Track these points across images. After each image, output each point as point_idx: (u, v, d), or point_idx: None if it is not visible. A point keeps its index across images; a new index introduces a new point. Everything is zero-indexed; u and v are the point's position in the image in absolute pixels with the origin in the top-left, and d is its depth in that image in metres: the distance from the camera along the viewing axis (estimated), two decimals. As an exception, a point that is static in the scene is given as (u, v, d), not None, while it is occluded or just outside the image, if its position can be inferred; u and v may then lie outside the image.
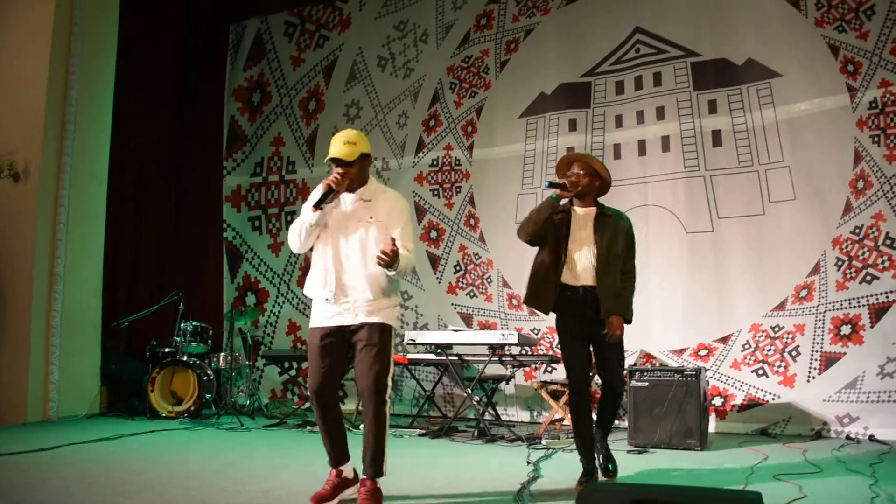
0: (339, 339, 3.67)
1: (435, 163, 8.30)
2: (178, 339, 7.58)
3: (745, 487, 4.00)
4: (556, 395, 6.56)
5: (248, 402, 7.88)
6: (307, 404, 8.10)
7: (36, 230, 7.23)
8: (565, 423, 6.52)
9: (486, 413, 6.73)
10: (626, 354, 6.71)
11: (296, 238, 3.74)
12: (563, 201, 4.19)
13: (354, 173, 3.66)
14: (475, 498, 3.84)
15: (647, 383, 5.59)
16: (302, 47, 9.23)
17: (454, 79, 8.28)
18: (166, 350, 7.63)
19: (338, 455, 3.77)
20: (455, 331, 6.62)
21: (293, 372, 8.66)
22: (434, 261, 8.19)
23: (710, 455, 5.22)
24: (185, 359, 7.43)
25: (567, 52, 7.67)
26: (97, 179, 7.87)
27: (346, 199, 3.75)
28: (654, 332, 6.81)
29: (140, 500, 3.70)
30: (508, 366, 6.58)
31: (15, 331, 7.19)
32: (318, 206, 3.61)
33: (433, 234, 8.23)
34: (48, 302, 7.27)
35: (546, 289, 4.18)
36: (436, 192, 8.28)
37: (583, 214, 4.23)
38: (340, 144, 3.66)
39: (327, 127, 8.93)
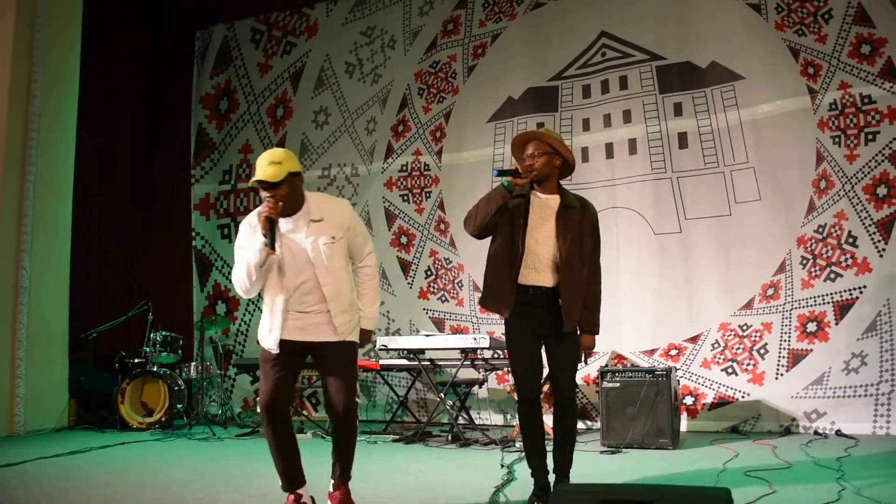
0: (296, 353, 3.51)
1: (404, 168, 8.31)
2: (148, 349, 7.50)
3: (717, 484, 4.05)
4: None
5: (220, 411, 7.80)
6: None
7: (12, 256, 7.12)
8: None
9: (460, 417, 6.74)
10: (596, 356, 6.83)
11: (243, 281, 3.44)
12: (520, 189, 3.63)
13: (284, 195, 3.32)
14: (450, 501, 3.84)
15: (618, 384, 5.64)
16: (269, 54, 9.19)
17: (422, 84, 8.29)
18: (136, 360, 7.54)
19: (295, 476, 3.53)
20: (427, 335, 6.61)
21: (265, 380, 8.60)
22: (405, 266, 8.19)
23: (682, 454, 5.28)
24: (155, 369, 7.35)
25: (534, 56, 7.73)
26: (62, 189, 7.75)
27: (287, 224, 3.43)
28: (625, 332, 6.88)
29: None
30: (481, 370, 6.60)
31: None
32: (271, 246, 3.32)
33: (403, 240, 8.23)
34: (13, 314, 7.14)
35: (502, 288, 3.63)
36: (405, 198, 8.28)
37: (543, 203, 3.68)
38: (265, 166, 3.32)
39: (296, 134, 8.90)
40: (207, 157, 9.37)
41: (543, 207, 3.67)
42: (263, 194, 3.35)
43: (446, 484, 4.36)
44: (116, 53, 8.90)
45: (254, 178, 3.36)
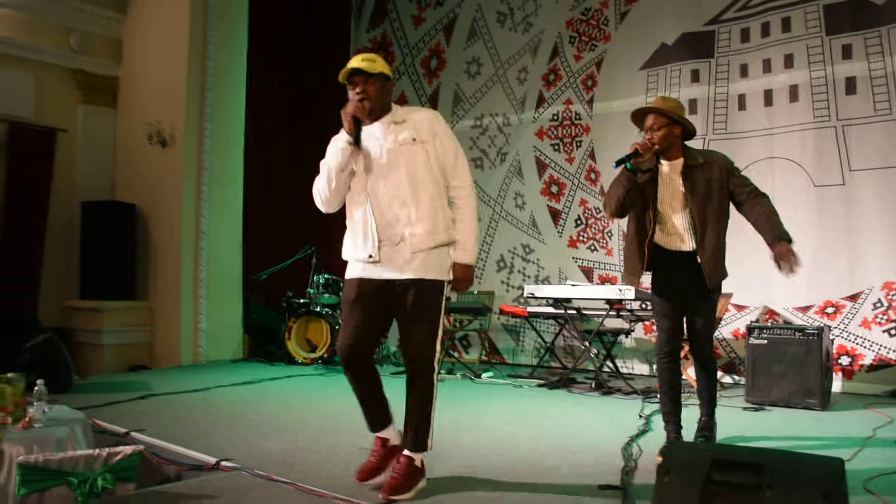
0: (379, 294, 3.16)
1: (555, 117, 8.34)
2: (312, 290, 8.10)
3: (862, 450, 3.98)
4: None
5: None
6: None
7: (182, 191, 7.91)
8: (682, 378, 6.55)
9: (605, 366, 6.86)
10: (746, 311, 6.70)
11: (324, 190, 3.23)
12: (646, 164, 3.74)
13: (374, 93, 3.14)
14: (584, 447, 4.02)
15: (765, 341, 5.54)
16: (422, 6, 9.41)
17: (573, 32, 8.22)
18: (301, 301, 8.15)
19: (378, 418, 3.31)
20: (573, 285, 6.75)
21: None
22: (555, 215, 8.29)
23: (831, 415, 5.16)
24: (318, 309, 7.93)
25: (689, 0, 7.44)
26: (234, 142, 8.44)
27: (373, 132, 3.20)
28: (777, 288, 6.66)
29: (277, 440, 4.14)
30: (627, 320, 6.66)
31: (167, 284, 7.97)
32: (355, 142, 3.12)
33: (554, 189, 8.32)
34: (195, 257, 7.96)
35: (632, 261, 3.86)
36: (556, 147, 8.33)
37: (669, 170, 3.79)
38: (358, 60, 3.16)
39: (449, 84, 9.12)
40: (366, 108, 9.78)
41: (670, 174, 3.80)
42: (351, 93, 3.17)
43: (584, 430, 4.55)
44: (278, 15, 9.36)
45: (346, 68, 3.15)
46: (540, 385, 6.55)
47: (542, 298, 6.85)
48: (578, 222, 8.12)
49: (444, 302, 3.20)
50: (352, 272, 3.24)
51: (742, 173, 3.85)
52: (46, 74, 8.18)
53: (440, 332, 3.16)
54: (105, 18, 8.56)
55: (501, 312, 7.81)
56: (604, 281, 7.80)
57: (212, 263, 8.07)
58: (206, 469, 3.58)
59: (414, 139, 3.15)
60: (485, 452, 3.90)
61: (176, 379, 6.55)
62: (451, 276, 3.22)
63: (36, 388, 3.68)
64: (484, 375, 7.13)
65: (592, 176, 8.04)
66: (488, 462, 3.69)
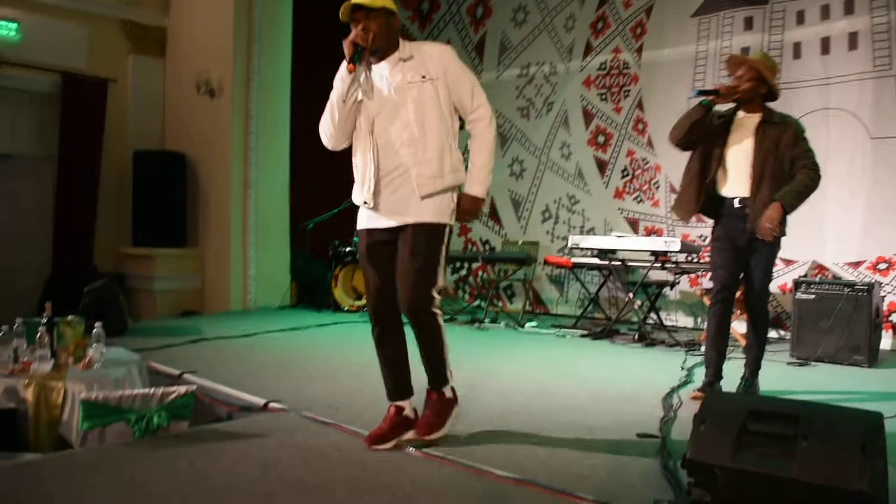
0: (388, 246, 3.06)
1: (603, 66, 8.19)
2: (357, 239, 8.17)
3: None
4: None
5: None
6: (477, 301, 8.58)
7: (231, 141, 8.02)
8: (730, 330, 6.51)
9: (649, 318, 6.84)
10: (795, 265, 6.60)
11: (327, 124, 3.10)
12: (727, 106, 3.96)
13: (378, 28, 2.97)
14: (624, 396, 4.06)
15: (813, 296, 5.47)
16: (470, -48, 9.25)
17: (623, -22, 8.03)
18: (347, 250, 8.22)
19: (397, 386, 3.19)
20: (618, 236, 6.71)
21: (464, 272, 9.13)
22: (601, 165, 8.21)
23: (877, 373, 5.09)
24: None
25: (745, -57, 7.19)
26: (281, 93, 8.50)
27: (380, 69, 3.06)
28: (828, 242, 6.54)
29: (323, 384, 4.26)
30: (672, 272, 6.62)
31: (217, 231, 8.15)
32: (350, 61, 2.96)
33: (600, 139, 8.22)
34: (243, 205, 8.11)
35: (686, 195, 4.02)
36: (603, 97, 8.20)
37: (745, 120, 3.95)
38: None
39: (495, 33, 9.01)
40: (412, 57, 9.74)
41: (745, 125, 3.93)
42: (354, 30, 3.00)
43: (625, 380, 4.58)
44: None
45: (346, 4, 2.98)
46: (583, 335, 6.58)
47: (587, 249, 6.84)
48: (625, 173, 8.03)
49: (444, 247, 3.05)
50: (360, 221, 3.14)
51: (810, 146, 3.88)
52: (97, 25, 8.31)
53: (439, 279, 3.02)
54: (154, -32, 8.62)
55: (546, 263, 7.82)
56: (649, 233, 7.73)
57: (259, 212, 8.20)
58: (255, 410, 3.71)
59: (423, 76, 2.99)
60: (525, 400, 3.96)
61: (226, 324, 6.74)
62: (453, 220, 3.09)
63: (94, 330, 3.84)
64: (527, 325, 7.18)
65: (640, 126, 7.91)
66: (529, 409, 3.76)
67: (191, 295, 8.24)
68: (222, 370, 4.55)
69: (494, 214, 9.03)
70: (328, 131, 3.11)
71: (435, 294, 3.02)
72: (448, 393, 3.19)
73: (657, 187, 7.77)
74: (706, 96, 3.87)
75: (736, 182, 3.92)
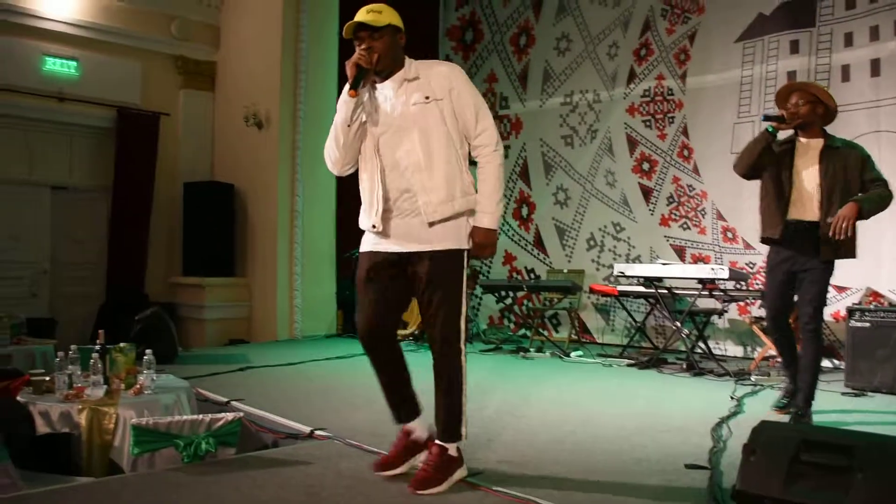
0: (393, 268, 2.93)
1: (647, 93, 8.16)
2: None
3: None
4: (768, 331, 6.40)
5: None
6: (522, 330, 8.54)
7: (278, 171, 8.17)
8: (779, 360, 6.37)
9: (697, 346, 6.73)
10: (848, 292, 6.44)
11: (331, 148, 3.02)
12: (785, 133, 4.11)
13: (383, 48, 2.86)
14: (672, 427, 3.99)
15: (868, 324, 5.33)
16: (511, -18, 9.35)
17: (665, 5, 8.00)
18: (393, 279, 8.29)
19: (401, 409, 3.08)
20: (664, 264, 6.64)
21: (509, 300, 9.09)
22: (646, 192, 8.14)
23: (938, 401, 4.93)
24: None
25: (790, -34, 7.13)
26: (326, 124, 8.45)
27: (385, 89, 2.95)
28: (883, 268, 6.36)
29: (367, 412, 4.26)
30: (720, 300, 6.51)
31: (264, 261, 8.28)
32: (352, 87, 2.85)
33: (645, 166, 8.16)
34: (290, 235, 8.23)
35: (773, 220, 4.10)
36: (648, 124, 8.16)
37: (807, 146, 4.07)
38: (364, 13, 2.89)
39: (539, 61, 9.05)
40: (455, 87, 9.84)
41: (808, 150, 4.06)
42: (358, 49, 2.88)
43: (673, 410, 4.50)
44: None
45: (350, 23, 2.90)
46: (630, 365, 6.49)
47: (633, 277, 6.77)
48: (671, 200, 7.95)
49: (465, 274, 2.91)
50: (364, 244, 3.01)
51: (878, 168, 4.06)
52: (151, 61, 8.59)
53: (463, 308, 2.88)
54: (204, 5, 8.90)
55: (591, 291, 7.75)
56: (696, 260, 7.62)
57: (306, 241, 8.31)
58: (300, 437, 3.74)
59: (427, 97, 2.86)
60: (571, 430, 3.92)
61: (273, 352, 6.81)
62: (470, 244, 2.92)
63: (145, 357, 3.92)
64: (573, 354, 7.12)
65: (685, 153, 7.84)
66: (575, 439, 3.72)
67: (239, 324, 8.36)
68: (269, 398, 4.59)
69: (539, 243, 9.01)
70: (332, 156, 3.03)
71: (462, 326, 2.88)
72: (452, 451, 2.92)
73: (703, 214, 7.67)
74: (773, 122, 4.03)
75: (803, 206, 4.01)
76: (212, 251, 8.31)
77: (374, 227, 2.92)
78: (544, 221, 8.96)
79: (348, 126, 2.92)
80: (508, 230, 9.25)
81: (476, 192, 2.94)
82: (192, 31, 8.83)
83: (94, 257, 8.32)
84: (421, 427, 3.06)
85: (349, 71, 2.85)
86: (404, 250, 2.89)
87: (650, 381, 5.74)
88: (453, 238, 2.88)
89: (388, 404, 3.09)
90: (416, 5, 9.94)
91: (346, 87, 2.87)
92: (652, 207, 8.09)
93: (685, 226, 7.83)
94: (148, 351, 3.97)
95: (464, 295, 2.89)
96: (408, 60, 2.97)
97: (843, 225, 3.74)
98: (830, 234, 3.79)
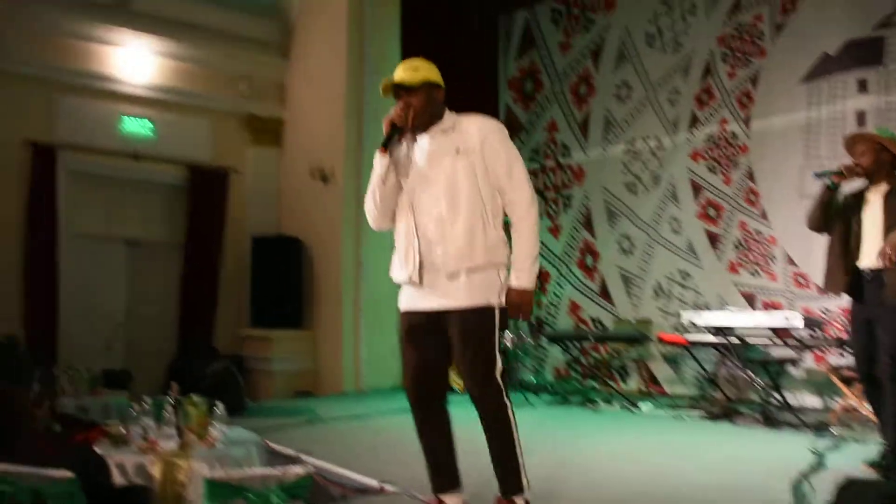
0: (431, 325, 2.92)
1: (710, 138, 8.07)
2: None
3: None
4: (848, 381, 6.14)
5: (533, 379, 8.32)
6: (589, 382, 8.38)
7: (342, 225, 8.32)
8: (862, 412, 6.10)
9: (771, 397, 6.49)
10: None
11: (369, 203, 3.04)
12: (856, 184, 4.09)
13: (420, 105, 2.91)
14: (749, 483, 3.85)
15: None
16: (569, 32, 9.43)
17: (726, 49, 7.95)
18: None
19: (439, 476, 3.03)
20: (734, 312, 6.47)
21: (576, 351, 8.97)
22: (713, 239, 8.00)
23: None
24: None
25: (854, 3, 7.00)
26: (396, 179, 8.75)
27: (421, 143, 2.99)
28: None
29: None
30: (795, 349, 6.29)
31: (329, 313, 8.38)
32: (383, 145, 2.94)
33: (711, 212, 8.03)
34: (355, 288, 8.32)
35: (834, 273, 4.09)
36: (712, 169, 8.05)
37: (874, 193, 4.03)
38: (400, 71, 2.97)
39: (599, 109, 9.07)
40: (516, 137, 9.93)
41: (875, 197, 4.01)
42: (396, 105, 2.97)
43: (749, 464, 4.35)
44: (427, 49, 9.63)
45: (386, 82, 2.98)
46: (702, 417, 6.30)
47: (702, 326, 6.61)
48: (738, 246, 7.78)
49: (496, 328, 2.86)
50: (402, 301, 3.03)
51: None
52: (221, 120, 8.93)
53: (497, 363, 2.84)
54: (271, 65, 9.23)
55: (659, 341, 7.59)
56: (767, 307, 7.41)
57: (371, 293, 8.38)
58: (369, 492, 3.72)
59: (458, 149, 2.88)
60: (643, 487, 3.81)
61: (339, 405, 6.84)
62: (502, 301, 2.87)
63: (217, 410, 3.98)
64: (643, 406, 6.95)
65: (752, 197, 7.69)
66: (648, 497, 3.61)
67: (305, 376, 8.44)
68: (336, 451, 4.60)
69: (605, 292, 8.90)
70: (371, 212, 3.05)
71: (499, 380, 2.83)
72: (521, 502, 2.86)
73: (773, 260, 7.48)
74: (827, 177, 4.09)
75: (868, 253, 3.94)
76: (279, 304, 8.45)
77: (410, 278, 2.93)
78: (609, 270, 8.86)
79: (383, 182, 2.96)
80: (574, 280, 9.17)
81: (508, 249, 2.91)
82: (260, 90, 9.16)
83: (166, 310, 8.55)
84: (458, 500, 2.98)
85: (385, 128, 2.92)
86: (436, 308, 2.88)
87: (724, 433, 5.57)
88: (482, 294, 2.84)
89: (427, 470, 3.04)
90: (476, 57, 10.15)
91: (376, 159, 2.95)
92: (719, 254, 7.93)
93: (755, 272, 7.64)
94: (219, 404, 4.03)
95: (497, 351, 2.85)
96: (448, 113, 3.00)
97: (889, 251, 3.59)
98: (882, 264, 3.68)
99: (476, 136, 2.89)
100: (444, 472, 3.02)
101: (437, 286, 2.87)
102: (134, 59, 8.24)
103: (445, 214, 2.84)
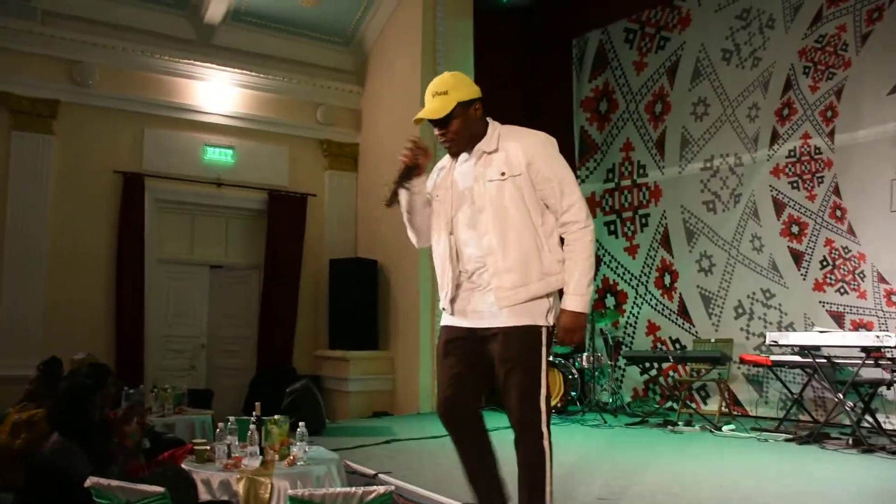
0: (470, 344, 2.80)
1: (792, 154, 7.84)
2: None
3: None
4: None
5: (610, 400, 8.20)
6: (669, 403, 8.20)
7: (419, 249, 8.36)
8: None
9: (863, 420, 6.23)
10: None
11: (409, 231, 3.04)
12: None
13: (457, 129, 2.75)
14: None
15: None
16: (643, 51, 9.34)
17: (808, 61, 7.73)
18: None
19: (484, 496, 2.89)
20: (821, 331, 6.25)
21: (654, 372, 8.80)
22: (797, 256, 7.74)
23: None
24: (550, 359, 7.93)
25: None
26: (463, 202, 8.81)
27: (462, 165, 2.85)
28: None
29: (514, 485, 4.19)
30: (888, 369, 6.02)
31: (406, 334, 8.45)
32: (399, 185, 2.85)
33: (794, 229, 7.79)
34: (431, 308, 8.36)
35: None
36: (795, 185, 7.81)
37: None
38: (429, 99, 2.76)
39: (676, 128, 8.93)
40: (591, 157, 9.88)
41: None
42: (408, 142, 2.87)
43: (840, 491, 4.19)
44: (500, 70, 9.71)
45: (418, 117, 2.80)
46: (788, 440, 6.09)
47: (787, 346, 6.40)
48: (824, 263, 7.51)
49: (544, 351, 2.69)
50: (445, 317, 2.92)
51: None
52: (299, 146, 9.18)
53: (543, 390, 2.65)
54: (346, 92, 9.46)
55: (742, 361, 7.37)
56: (857, 327, 7.12)
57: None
58: (448, 512, 3.73)
59: (503, 174, 2.70)
60: (729, 509, 3.70)
61: (416, 425, 6.87)
62: (550, 322, 2.71)
63: (298, 429, 4.06)
64: (725, 428, 6.75)
65: (838, 213, 7.43)
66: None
67: (382, 396, 8.52)
68: (415, 471, 4.63)
69: (684, 312, 8.71)
70: (412, 237, 3.04)
71: (543, 408, 2.65)
72: None
73: (863, 277, 7.18)
74: None
75: None
76: (356, 325, 8.58)
77: (444, 309, 2.87)
78: (688, 290, 8.67)
79: (407, 213, 2.94)
80: (651, 300, 9.01)
81: (561, 268, 2.73)
82: (336, 117, 9.38)
83: (247, 331, 8.79)
84: None
85: (399, 169, 2.85)
86: (479, 326, 2.76)
87: (813, 458, 5.36)
88: (528, 314, 2.69)
89: (469, 488, 2.93)
90: (550, 78, 10.17)
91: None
92: (804, 272, 7.67)
93: (842, 290, 7.36)
94: (301, 423, 4.11)
95: (543, 375, 2.66)
96: (491, 127, 2.84)
97: None
98: None
99: (522, 157, 2.71)
100: (485, 489, 2.91)
101: (480, 306, 2.76)
102: (215, 91, 8.59)
103: (496, 244, 2.69)
